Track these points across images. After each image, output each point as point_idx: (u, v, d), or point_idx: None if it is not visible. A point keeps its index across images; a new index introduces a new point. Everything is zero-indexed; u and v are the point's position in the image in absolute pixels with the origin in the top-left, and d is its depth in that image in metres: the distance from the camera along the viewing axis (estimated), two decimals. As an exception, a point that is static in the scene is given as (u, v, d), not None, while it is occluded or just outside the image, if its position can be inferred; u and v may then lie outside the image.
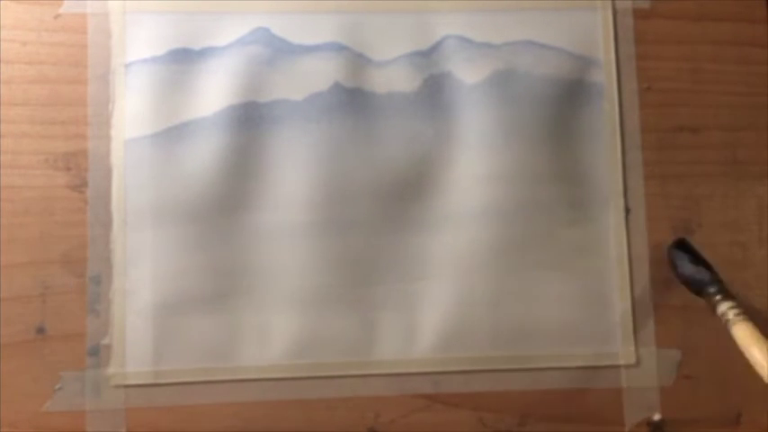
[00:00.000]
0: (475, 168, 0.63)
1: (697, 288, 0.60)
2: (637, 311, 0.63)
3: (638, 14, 0.66)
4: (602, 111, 0.65)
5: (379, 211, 0.63)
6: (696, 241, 0.64)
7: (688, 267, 0.61)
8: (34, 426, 0.59)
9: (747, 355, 0.55)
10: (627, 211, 0.64)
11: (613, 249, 0.64)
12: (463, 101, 0.64)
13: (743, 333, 0.56)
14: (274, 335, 0.61)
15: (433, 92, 0.64)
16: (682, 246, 0.62)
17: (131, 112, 0.62)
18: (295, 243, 0.62)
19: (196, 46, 0.63)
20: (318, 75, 0.63)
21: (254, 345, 0.61)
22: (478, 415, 0.62)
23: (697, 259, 0.61)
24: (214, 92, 0.63)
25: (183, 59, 0.63)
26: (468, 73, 0.64)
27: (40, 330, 0.60)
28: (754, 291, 0.64)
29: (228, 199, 0.62)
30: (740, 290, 0.64)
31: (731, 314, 0.57)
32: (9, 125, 0.62)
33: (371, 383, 0.61)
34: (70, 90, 0.62)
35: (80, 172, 0.62)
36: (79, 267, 0.61)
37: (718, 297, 0.58)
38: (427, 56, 0.65)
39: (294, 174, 0.63)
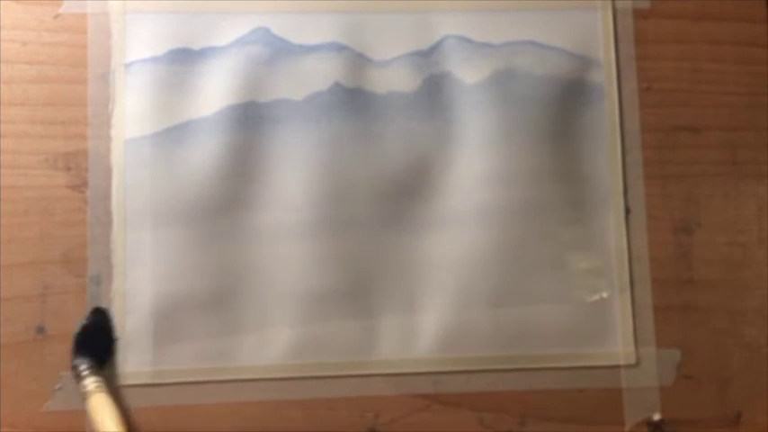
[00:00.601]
0: (475, 168, 0.63)
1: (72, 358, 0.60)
2: (637, 311, 0.63)
3: (638, 14, 0.66)
4: (603, 111, 0.65)
5: (379, 210, 0.63)
6: (696, 241, 0.64)
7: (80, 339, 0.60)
8: (34, 426, 0.59)
9: (95, 421, 0.57)
10: (627, 211, 0.64)
11: (613, 249, 0.64)
12: (463, 101, 0.64)
13: (96, 403, 0.57)
14: (274, 335, 0.61)
15: (433, 92, 0.64)
16: (97, 314, 0.61)
17: (131, 112, 0.62)
18: (295, 243, 0.62)
19: (196, 46, 0.63)
20: (318, 75, 0.63)
21: (253, 345, 0.61)
22: (478, 415, 0.62)
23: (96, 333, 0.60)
24: (214, 92, 0.63)
25: (183, 59, 0.63)
26: (468, 73, 0.64)
27: (40, 330, 0.60)
28: (754, 291, 0.64)
29: (228, 199, 0.62)
30: (740, 290, 0.64)
31: (92, 386, 0.58)
32: (9, 125, 0.62)
33: (371, 383, 0.61)
34: (70, 90, 0.62)
35: (80, 172, 0.62)
36: (79, 267, 0.61)
37: (85, 372, 0.59)
38: (427, 56, 0.65)
39: (294, 174, 0.63)
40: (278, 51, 0.64)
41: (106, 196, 0.62)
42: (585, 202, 0.64)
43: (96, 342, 0.60)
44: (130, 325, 0.61)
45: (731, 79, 0.66)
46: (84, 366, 0.59)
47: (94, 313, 0.60)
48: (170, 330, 0.61)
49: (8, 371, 0.60)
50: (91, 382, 0.58)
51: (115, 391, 0.59)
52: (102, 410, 0.57)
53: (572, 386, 0.62)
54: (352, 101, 0.63)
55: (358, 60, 0.64)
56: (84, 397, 0.58)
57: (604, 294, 0.63)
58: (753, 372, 0.64)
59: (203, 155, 0.62)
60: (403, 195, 0.63)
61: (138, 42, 0.63)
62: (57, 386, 0.60)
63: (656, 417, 0.62)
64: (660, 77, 0.66)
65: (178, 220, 0.62)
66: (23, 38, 0.63)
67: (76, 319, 0.60)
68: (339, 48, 0.64)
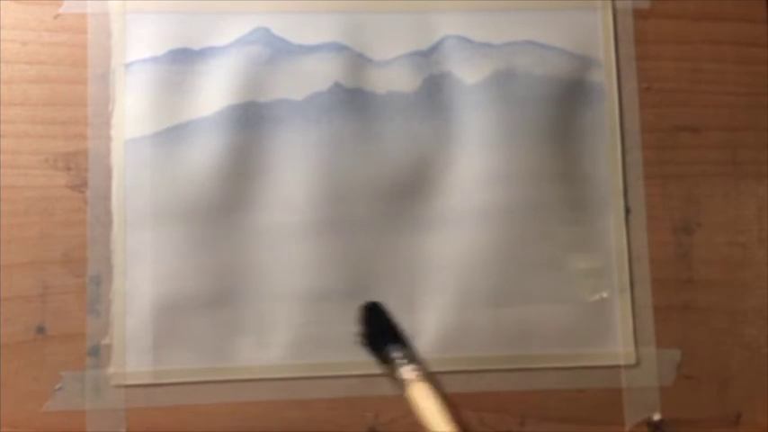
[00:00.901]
0: (475, 168, 0.63)
1: (381, 352, 0.59)
2: (637, 311, 0.63)
3: (638, 14, 0.66)
4: (603, 111, 0.65)
5: (379, 210, 0.63)
6: (696, 241, 0.64)
7: (374, 330, 0.60)
8: (34, 426, 0.59)
9: (420, 412, 0.56)
10: (627, 211, 0.64)
11: (613, 249, 0.64)
12: (463, 101, 0.64)
13: (419, 392, 0.56)
14: (274, 335, 0.61)
15: (433, 92, 0.64)
16: (373, 309, 0.61)
17: (131, 112, 0.62)
18: (295, 243, 0.62)
19: (196, 46, 0.63)
20: (318, 75, 0.63)
21: (253, 345, 0.61)
22: (478, 415, 0.62)
23: (384, 323, 0.60)
24: (214, 92, 0.63)
25: (183, 59, 0.63)
26: (468, 73, 0.64)
27: (40, 330, 0.60)
28: (754, 291, 0.64)
29: (228, 199, 0.62)
30: (740, 290, 0.64)
31: (411, 375, 0.57)
32: (9, 125, 0.62)
33: (371, 383, 0.61)
34: (70, 90, 0.62)
35: (80, 172, 0.62)
36: (79, 267, 0.61)
37: (402, 360, 0.58)
38: (427, 56, 0.65)
39: (294, 174, 0.63)
40: (278, 51, 0.64)
41: (106, 196, 0.62)
42: (585, 202, 0.64)
43: (387, 332, 0.60)
44: (130, 325, 0.61)
45: (731, 79, 0.66)
46: (399, 354, 0.58)
47: (371, 307, 0.60)
48: (170, 330, 0.61)
49: (8, 371, 0.60)
50: (410, 370, 0.57)
51: (433, 378, 0.58)
52: (427, 402, 0.56)
53: (572, 386, 0.62)
54: (352, 101, 0.63)
55: (358, 60, 0.64)
56: (402, 386, 0.57)
57: (604, 294, 0.63)
58: (753, 372, 0.64)
59: (203, 155, 0.62)
60: (403, 195, 0.63)
61: (138, 42, 0.63)
62: (57, 386, 0.60)
63: (656, 417, 0.62)
64: (660, 77, 0.66)
65: (178, 220, 0.62)
66: (23, 38, 0.63)
67: (77, 319, 0.60)
68: (339, 48, 0.64)
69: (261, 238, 0.62)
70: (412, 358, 0.59)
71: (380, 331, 0.60)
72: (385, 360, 0.59)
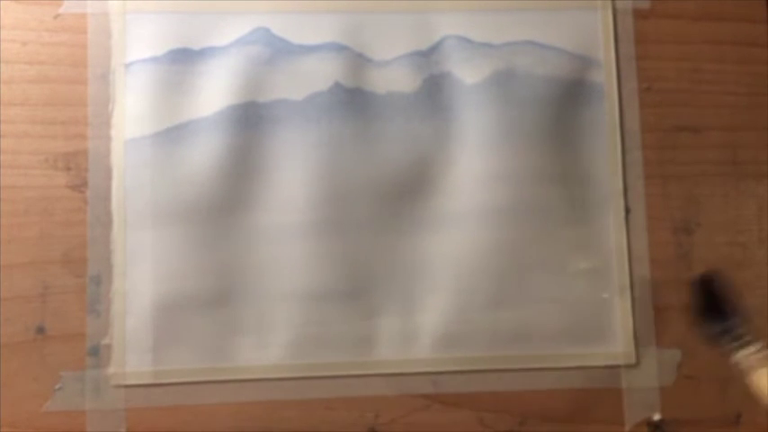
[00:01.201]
0: (475, 168, 0.63)
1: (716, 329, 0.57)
2: (637, 311, 0.63)
3: (638, 14, 0.66)
4: (603, 111, 0.65)
5: (379, 210, 0.63)
6: (696, 241, 0.64)
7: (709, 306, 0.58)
8: (34, 426, 0.59)
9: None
10: (627, 211, 0.64)
11: (613, 249, 0.64)
12: (463, 101, 0.64)
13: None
14: (274, 335, 0.61)
15: (433, 92, 0.64)
16: (707, 282, 0.58)
17: (131, 112, 0.62)
18: (295, 243, 0.62)
19: (196, 46, 0.63)
20: (318, 75, 0.63)
21: (253, 345, 0.61)
22: (478, 415, 0.62)
23: (718, 300, 0.58)
24: (214, 92, 0.63)
25: (183, 59, 0.63)
26: (468, 73, 0.64)
27: (40, 330, 0.60)
28: (754, 291, 0.64)
29: (228, 199, 0.62)
30: (740, 290, 0.64)
31: (759, 355, 0.54)
32: (9, 125, 0.62)
33: (371, 383, 0.61)
34: (70, 90, 0.62)
35: (80, 172, 0.62)
36: (79, 267, 0.61)
37: (742, 341, 0.55)
38: (427, 56, 0.65)
39: (294, 174, 0.62)
40: (278, 51, 0.64)
41: (106, 196, 0.62)
42: (585, 202, 0.64)
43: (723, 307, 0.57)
44: (130, 325, 0.61)
45: (731, 79, 0.66)
46: (738, 333, 0.55)
47: (707, 280, 0.58)
48: (170, 330, 0.61)
49: (8, 371, 0.60)
50: (752, 352, 0.54)
51: None
52: None
53: (572, 386, 0.62)
54: (352, 101, 0.63)
55: (358, 60, 0.64)
56: (746, 367, 0.54)
57: (604, 294, 0.63)
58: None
59: (203, 155, 0.62)
60: (403, 195, 0.63)
61: (138, 42, 0.63)
62: (57, 386, 0.60)
63: (656, 417, 0.62)
64: (660, 77, 0.66)
65: (178, 220, 0.62)
66: (23, 38, 0.63)
67: (77, 319, 0.60)
68: (339, 48, 0.64)
69: (261, 238, 0.62)
70: (752, 338, 0.55)
71: (716, 307, 0.57)
72: (721, 339, 0.56)
